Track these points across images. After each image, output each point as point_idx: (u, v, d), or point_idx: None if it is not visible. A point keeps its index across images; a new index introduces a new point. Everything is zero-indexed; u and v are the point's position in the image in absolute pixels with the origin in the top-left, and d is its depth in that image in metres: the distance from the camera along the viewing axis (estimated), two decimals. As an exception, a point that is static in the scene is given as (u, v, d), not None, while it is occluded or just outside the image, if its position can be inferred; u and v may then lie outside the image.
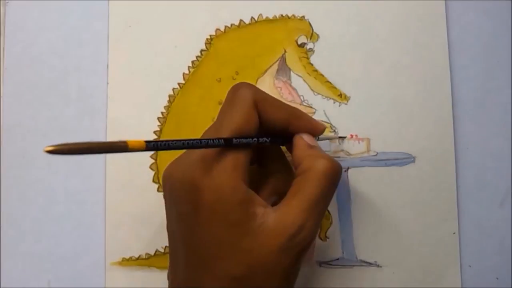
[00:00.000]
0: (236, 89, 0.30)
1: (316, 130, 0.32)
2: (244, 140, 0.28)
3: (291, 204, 0.28)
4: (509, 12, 0.39)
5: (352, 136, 0.38)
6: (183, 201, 0.28)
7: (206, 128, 0.30)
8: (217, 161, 0.27)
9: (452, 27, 0.39)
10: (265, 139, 0.30)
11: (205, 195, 0.27)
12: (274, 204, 0.29)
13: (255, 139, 0.29)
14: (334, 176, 0.29)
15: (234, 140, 0.28)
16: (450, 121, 0.38)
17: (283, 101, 0.38)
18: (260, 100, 0.30)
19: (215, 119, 0.30)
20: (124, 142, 0.24)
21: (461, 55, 0.38)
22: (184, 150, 0.29)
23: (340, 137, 0.38)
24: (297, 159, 0.30)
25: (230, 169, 0.27)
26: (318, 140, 0.34)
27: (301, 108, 0.38)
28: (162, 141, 0.26)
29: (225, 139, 0.27)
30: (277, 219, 0.27)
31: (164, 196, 0.30)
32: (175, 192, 0.28)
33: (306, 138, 0.31)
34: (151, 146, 0.25)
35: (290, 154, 0.33)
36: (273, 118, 0.30)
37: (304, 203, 0.27)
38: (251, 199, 0.27)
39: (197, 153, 0.28)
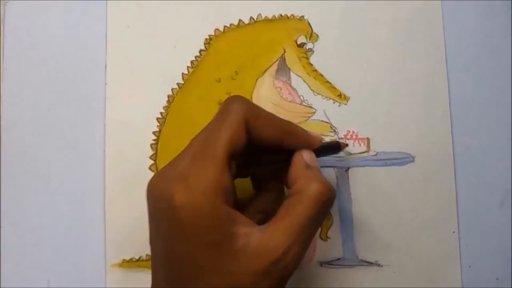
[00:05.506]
0: (229, 103, 0.29)
1: (311, 146, 0.31)
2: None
3: (278, 226, 0.26)
4: (509, 12, 0.39)
5: (349, 132, 0.38)
6: (162, 218, 0.27)
7: (194, 136, 0.29)
8: (197, 180, 0.26)
9: (448, 27, 0.39)
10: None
11: (183, 214, 0.26)
12: (261, 222, 0.27)
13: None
14: (327, 202, 0.27)
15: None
16: (449, 121, 0.38)
17: (284, 101, 0.38)
18: (253, 117, 0.28)
19: (207, 124, 0.29)
20: None
21: (459, 55, 0.38)
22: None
23: (342, 143, 0.37)
24: (292, 179, 0.29)
25: (211, 189, 0.26)
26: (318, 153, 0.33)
27: (301, 108, 0.38)
28: None
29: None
30: (261, 241, 0.26)
31: (148, 210, 0.29)
32: (154, 208, 0.27)
33: (306, 157, 0.30)
34: None
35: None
36: (265, 136, 0.29)
37: (291, 227, 0.26)
38: (233, 219, 0.26)
39: (179, 169, 0.27)
